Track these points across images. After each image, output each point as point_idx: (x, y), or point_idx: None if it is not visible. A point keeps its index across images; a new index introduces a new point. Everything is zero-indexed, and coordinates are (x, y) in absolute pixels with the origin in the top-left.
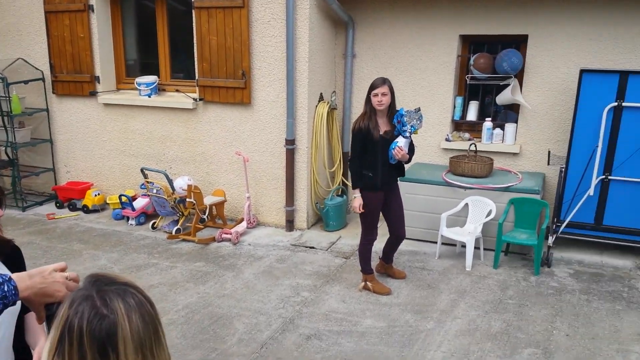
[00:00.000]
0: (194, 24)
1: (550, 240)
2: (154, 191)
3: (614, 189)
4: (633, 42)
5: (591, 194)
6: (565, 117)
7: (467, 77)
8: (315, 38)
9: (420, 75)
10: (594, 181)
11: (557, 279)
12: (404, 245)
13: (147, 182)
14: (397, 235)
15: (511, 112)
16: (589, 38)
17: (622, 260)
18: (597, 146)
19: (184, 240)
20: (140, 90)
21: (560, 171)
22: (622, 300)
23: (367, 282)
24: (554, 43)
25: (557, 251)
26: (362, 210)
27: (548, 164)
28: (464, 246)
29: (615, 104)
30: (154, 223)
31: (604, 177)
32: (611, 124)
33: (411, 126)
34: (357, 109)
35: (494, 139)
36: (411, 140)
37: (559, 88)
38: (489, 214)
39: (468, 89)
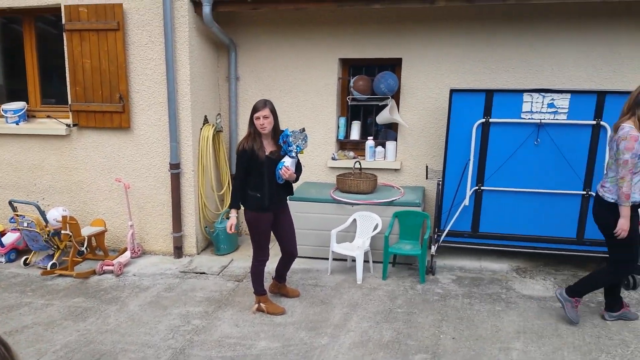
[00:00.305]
0: (65, 47)
1: (433, 249)
2: (25, 225)
3: (486, 199)
4: (496, 63)
5: (467, 204)
6: (440, 133)
7: (348, 99)
8: (196, 61)
9: (304, 97)
10: (469, 192)
11: (442, 286)
12: (297, 264)
13: (17, 215)
14: (289, 254)
15: (391, 130)
16: (457, 60)
17: (499, 264)
18: (469, 160)
19: (60, 275)
20: (6, 117)
21: (438, 184)
22: (501, 302)
23: (261, 304)
24: (425, 65)
25: (440, 259)
26: (232, 231)
27: (426, 178)
28: (354, 260)
29: (483, 120)
30: (26, 259)
31: (477, 187)
32: (480, 139)
33: (297, 146)
34: (243, 130)
35: (376, 157)
36: (298, 160)
37: (432, 107)
38: (375, 228)
39: (350, 110)
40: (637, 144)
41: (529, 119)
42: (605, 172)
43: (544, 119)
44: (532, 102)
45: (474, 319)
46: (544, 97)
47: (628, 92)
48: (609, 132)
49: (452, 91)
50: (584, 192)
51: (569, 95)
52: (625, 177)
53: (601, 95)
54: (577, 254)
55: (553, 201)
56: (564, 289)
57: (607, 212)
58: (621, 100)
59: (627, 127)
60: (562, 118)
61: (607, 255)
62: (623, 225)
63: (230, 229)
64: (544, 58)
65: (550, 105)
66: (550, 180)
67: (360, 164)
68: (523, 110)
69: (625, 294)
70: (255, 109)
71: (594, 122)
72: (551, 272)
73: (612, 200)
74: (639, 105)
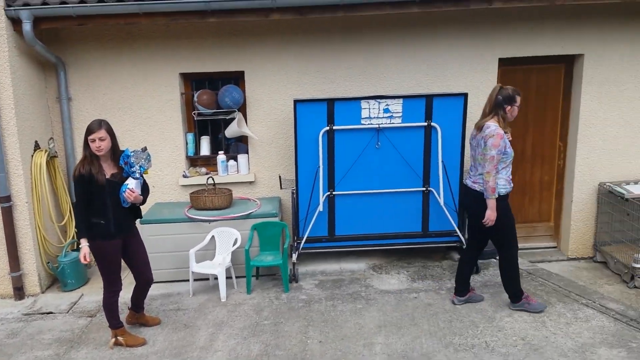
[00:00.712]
0: None
1: (294, 257)
2: None
3: (339, 203)
4: (334, 73)
5: (321, 209)
6: (290, 143)
7: (194, 114)
8: (20, 82)
9: (146, 114)
10: (322, 198)
11: (305, 292)
12: (155, 290)
13: None
14: (144, 280)
15: (241, 143)
16: (298, 71)
17: (357, 263)
18: (319, 167)
19: None
20: None
21: (292, 193)
22: (361, 300)
23: (118, 337)
24: (268, 77)
25: (302, 266)
26: (87, 261)
27: (281, 188)
28: (216, 278)
29: (328, 128)
30: None
31: (329, 193)
32: (327, 146)
33: (140, 166)
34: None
35: (229, 171)
36: (143, 180)
37: (280, 118)
38: (235, 243)
39: (197, 125)
40: (502, 141)
41: (369, 124)
42: (474, 168)
43: (382, 123)
44: (369, 108)
45: (338, 319)
46: (379, 103)
47: (451, 94)
48: (440, 132)
49: (296, 102)
50: (424, 189)
51: (401, 100)
52: (490, 172)
53: (429, 98)
54: (424, 246)
55: (398, 199)
56: (511, 303)
57: (485, 204)
58: (446, 102)
59: (493, 125)
60: (397, 122)
61: (453, 245)
62: (490, 216)
63: (85, 259)
64: (377, 66)
65: (386, 110)
66: (394, 180)
67: (213, 179)
68: (362, 116)
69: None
70: (89, 131)
71: (426, 124)
72: (404, 266)
73: None
74: (501, 106)
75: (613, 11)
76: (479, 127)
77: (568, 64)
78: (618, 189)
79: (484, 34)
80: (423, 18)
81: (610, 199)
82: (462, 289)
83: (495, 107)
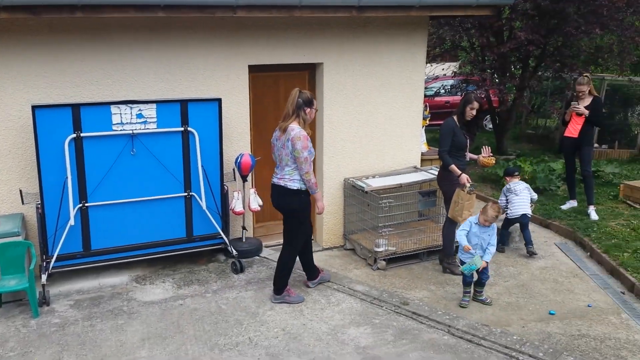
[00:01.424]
0: None
1: (44, 278)
2: None
3: (94, 214)
4: (79, 76)
5: (73, 223)
6: (32, 154)
7: None
8: None
9: None
10: (73, 211)
11: (59, 314)
12: None
13: None
14: None
15: None
16: (36, 74)
17: (119, 277)
18: (67, 177)
19: None
20: None
21: (37, 208)
22: (123, 315)
23: None
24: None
25: (54, 287)
26: None
27: (22, 203)
28: None
29: (75, 135)
30: None
31: (81, 205)
32: (76, 155)
33: None
34: None
35: None
36: None
37: (17, 126)
38: None
39: None
40: (308, 142)
41: (122, 130)
42: (281, 167)
43: (136, 129)
44: (121, 113)
45: (97, 339)
46: (131, 108)
47: (206, 99)
48: (197, 137)
49: (34, 107)
50: (186, 194)
51: (154, 106)
52: (309, 172)
53: (184, 103)
54: (190, 251)
55: (160, 206)
56: (273, 295)
57: (293, 197)
58: (201, 106)
59: (297, 128)
60: (152, 127)
61: (219, 247)
62: (321, 206)
63: None
64: (125, 70)
65: (139, 115)
66: (153, 187)
67: None
68: (114, 122)
69: (234, 278)
70: None
71: (182, 129)
72: (169, 274)
73: (296, 188)
74: (301, 108)
75: (347, 24)
76: (283, 129)
77: (311, 71)
78: (359, 183)
79: (235, 41)
80: (174, 23)
81: (354, 192)
82: (312, 274)
83: (297, 109)
